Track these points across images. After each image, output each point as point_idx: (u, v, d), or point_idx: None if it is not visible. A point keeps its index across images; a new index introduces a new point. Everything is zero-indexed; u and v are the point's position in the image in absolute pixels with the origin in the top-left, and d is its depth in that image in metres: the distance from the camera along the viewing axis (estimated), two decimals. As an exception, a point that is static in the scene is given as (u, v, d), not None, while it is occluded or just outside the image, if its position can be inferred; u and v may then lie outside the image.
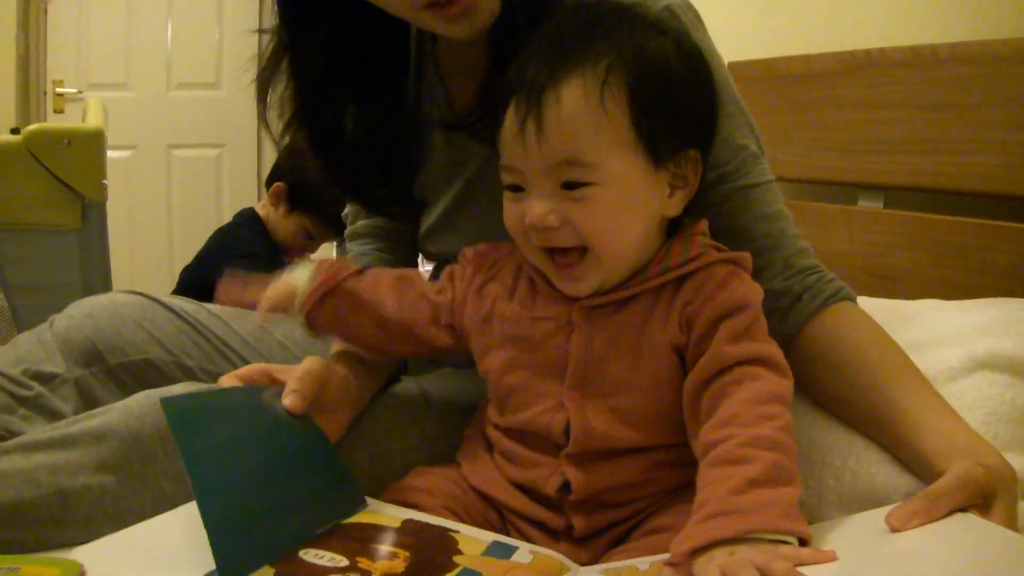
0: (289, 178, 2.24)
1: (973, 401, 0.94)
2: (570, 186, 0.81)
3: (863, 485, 0.89)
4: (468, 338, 0.96)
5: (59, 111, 3.60)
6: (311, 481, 0.87)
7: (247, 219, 2.34)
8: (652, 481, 0.87)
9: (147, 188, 3.75)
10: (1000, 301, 1.17)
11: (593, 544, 0.87)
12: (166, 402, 0.87)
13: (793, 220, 1.01)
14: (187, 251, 2.40)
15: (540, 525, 0.89)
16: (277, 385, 0.94)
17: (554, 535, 0.88)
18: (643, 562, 0.78)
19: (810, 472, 0.93)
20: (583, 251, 0.84)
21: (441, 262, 1.22)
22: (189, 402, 0.92)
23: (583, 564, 0.83)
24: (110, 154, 1.73)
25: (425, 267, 1.26)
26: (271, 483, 0.83)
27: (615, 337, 0.85)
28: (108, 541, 0.89)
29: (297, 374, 0.94)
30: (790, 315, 0.97)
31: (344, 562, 0.75)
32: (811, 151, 1.73)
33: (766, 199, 0.99)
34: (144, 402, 0.98)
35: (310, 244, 2.32)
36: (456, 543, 0.80)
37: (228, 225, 2.38)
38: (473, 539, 0.82)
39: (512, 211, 0.86)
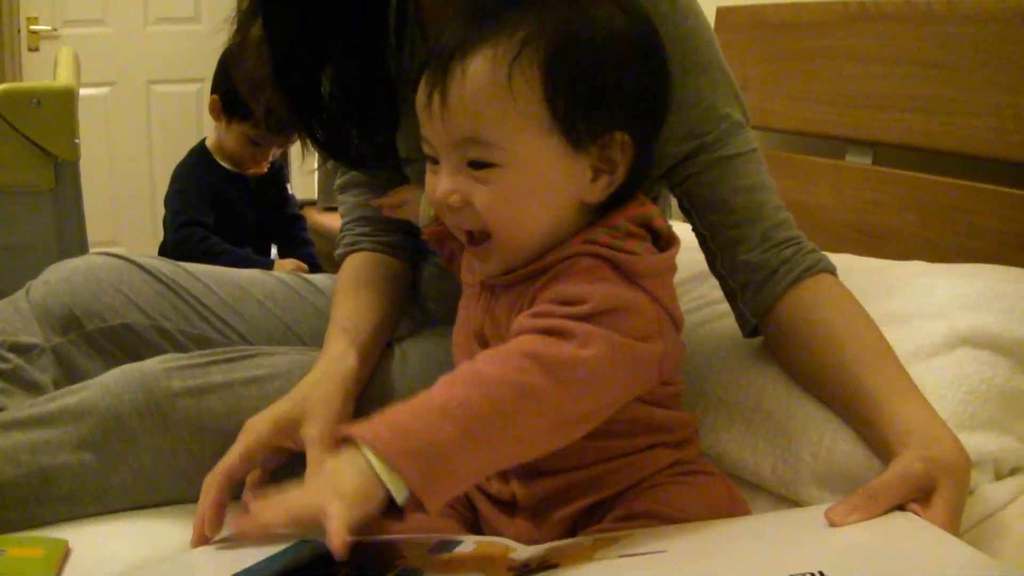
0: (220, 88, 2.24)
1: (952, 379, 0.93)
2: (475, 165, 0.77)
3: (839, 462, 0.89)
4: None
5: (34, 49, 3.54)
6: None
7: (190, 153, 2.36)
8: (584, 450, 0.81)
9: (126, 125, 3.72)
10: (987, 270, 1.17)
11: (549, 521, 0.85)
12: None
13: (775, 189, 0.99)
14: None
15: (496, 501, 0.88)
16: None
17: (509, 511, 0.87)
18: (590, 539, 0.79)
19: (787, 447, 0.93)
20: (487, 234, 0.80)
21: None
22: None
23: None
24: (88, 92, 1.69)
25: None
26: None
27: (498, 318, 0.83)
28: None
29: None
30: (765, 289, 0.95)
31: None
32: (800, 102, 1.71)
33: (747, 170, 0.97)
34: (121, 379, 0.99)
35: (259, 152, 2.29)
36: (399, 550, 0.77)
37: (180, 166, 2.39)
38: (417, 543, 0.79)
39: (429, 183, 0.82)
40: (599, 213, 0.82)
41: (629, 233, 0.80)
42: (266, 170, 2.34)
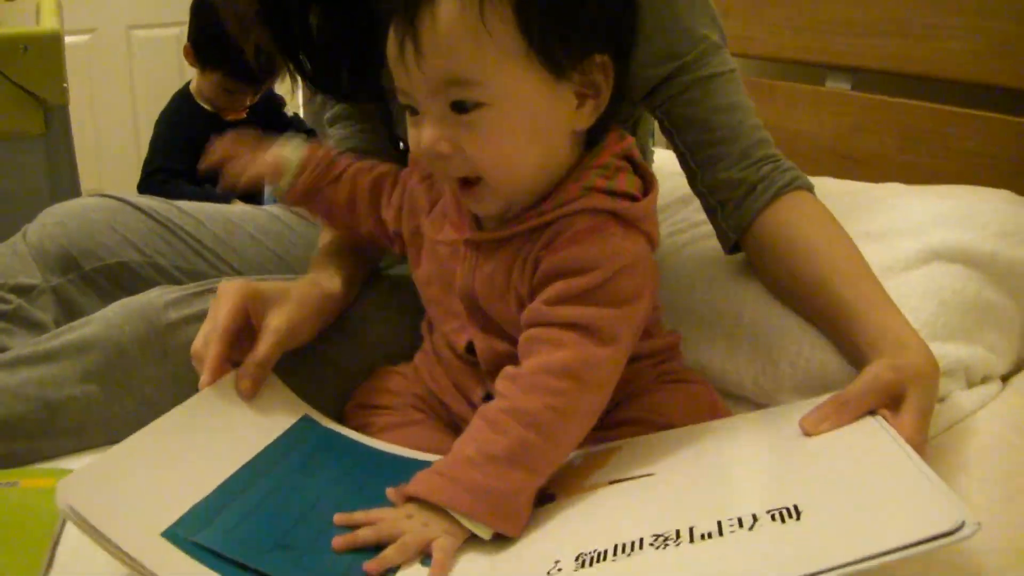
0: (192, 35, 2.24)
1: (925, 291, 0.97)
2: (460, 108, 0.76)
3: (817, 372, 0.92)
4: (407, 248, 0.97)
5: (8, -1, 3.47)
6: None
7: (172, 97, 2.36)
8: None
9: (109, 71, 3.67)
10: (960, 190, 1.20)
11: None
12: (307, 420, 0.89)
13: (753, 109, 1.01)
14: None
15: None
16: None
17: None
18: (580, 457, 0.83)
19: (767, 359, 0.97)
20: (479, 177, 0.80)
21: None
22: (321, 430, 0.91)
23: None
24: (70, 40, 1.69)
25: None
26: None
27: (490, 277, 0.84)
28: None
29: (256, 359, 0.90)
30: (744, 205, 0.98)
31: None
32: (780, 30, 1.72)
33: (725, 90, 0.99)
34: (121, 312, 1.01)
35: (236, 99, 2.30)
36: None
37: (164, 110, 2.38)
38: None
39: (412, 136, 0.81)
40: (586, 143, 0.83)
41: (617, 168, 0.81)
42: (244, 116, 2.33)
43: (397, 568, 0.70)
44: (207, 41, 2.20)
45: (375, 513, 0.75)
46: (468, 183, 0.80)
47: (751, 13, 1.76)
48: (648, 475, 0.76)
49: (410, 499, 0.74)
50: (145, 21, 3.73)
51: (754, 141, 0.99)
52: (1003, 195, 1.11)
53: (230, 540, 0.69)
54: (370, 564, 0.69)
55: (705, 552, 0.62)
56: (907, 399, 0.75)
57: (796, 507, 0.63)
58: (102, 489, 0.68)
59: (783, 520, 0.62)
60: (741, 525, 0.63)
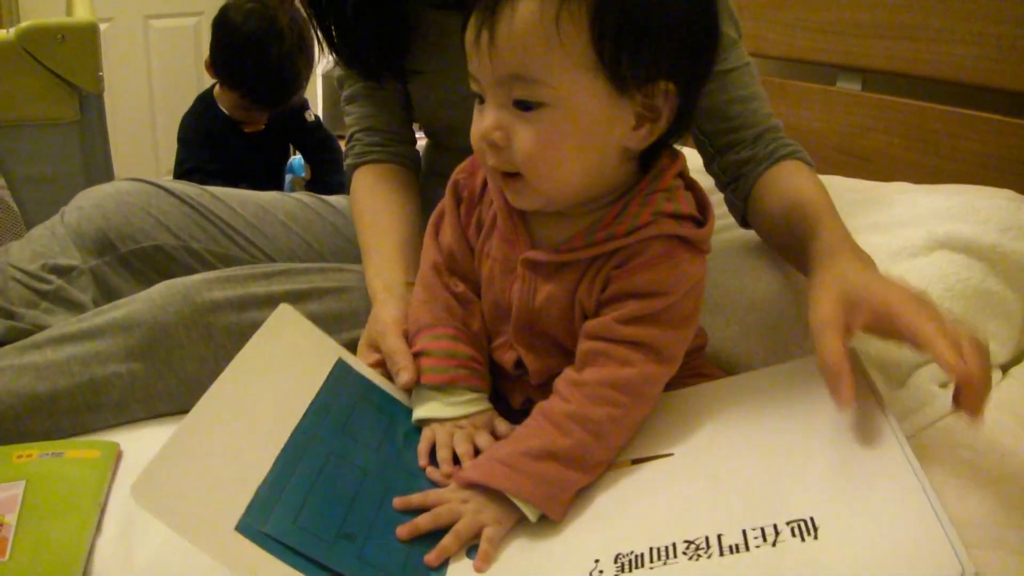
0: (212, 53, 2.26)
1: (932, 276, 1.01)
2: (522, 105, 0.77)
3: None
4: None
5: (31, -17, 3.49)
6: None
7: (197, 100, 2.37)
8: None
9: (125, 60, 3.68)
10: (964, 188, 1.23)
11: None
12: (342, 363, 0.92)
13: (767, 99, 1.10)
14: (168, 122, 2.39)
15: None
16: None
17: None
18: None
19: (778, 341, 1.02)
20: (519, 174, 0.81)
21: (434, 130, 1.27)
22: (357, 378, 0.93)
23: None
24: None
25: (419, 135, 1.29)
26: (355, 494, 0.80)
27: (553, 295, 0.85)
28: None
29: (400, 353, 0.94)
30: (749, 176, 1.06)
31: None
32: (793, 31, 1.75)
33: (742, 82, 1.07)
34: (165, 292, 1.03)
35: (253, 115, 2.32)
36: None
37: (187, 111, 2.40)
38: None
39: (475, 121, 0.82)
40: (638, 165, 0.84)
41: (677, 188, 0.84)
42: (263, 127, 2.35)
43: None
44: (225, 62, 2.23)
45: (432, 497, 0.80)
46: (510, 175, 0.81)
47: (765, 14, 1.80)
48: (667, 455, 0.81)
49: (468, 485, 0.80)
50: (162, 11, 3.72)
51: (767, 127, 1.08)
52: (1005, 193, 1.14)
53: (298, 532, 0.72)
54: (430, 557, 0.75)
55: (734, 569, 0.66)
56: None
57: (813, 521, 0.67)
58: (172, 486, 0.69)
59: (803, 538, 0.66)
60: (765, 539, 0.67)
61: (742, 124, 1.07)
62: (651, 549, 0.70)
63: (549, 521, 0.78)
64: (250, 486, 0.74)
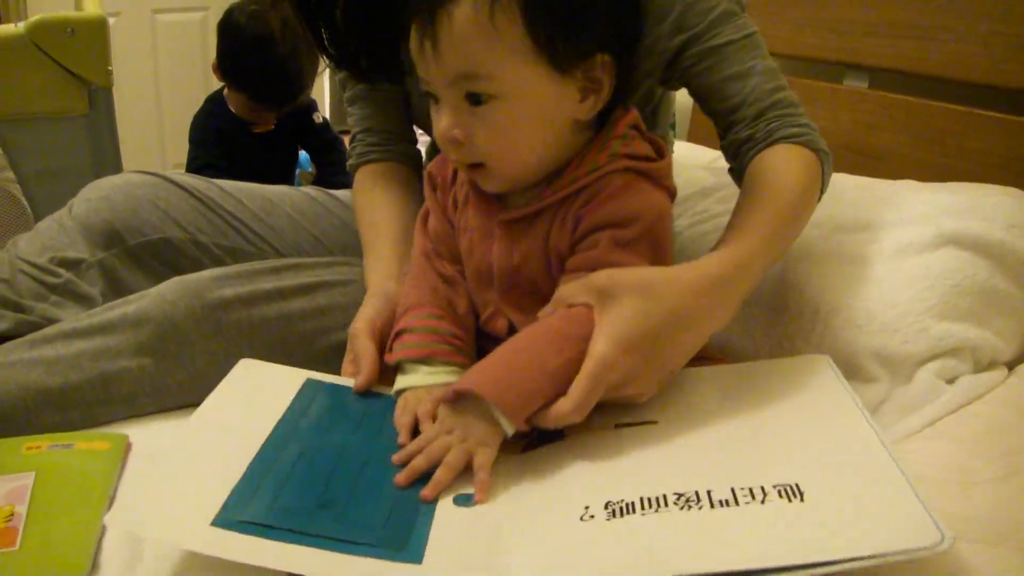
0: (218, 56, 2.26)
1: (940, 272, 1.01)
2: (474, 100, 0.83)
3: (830, 348, 0.98)
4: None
5: (38, -23, 3.49)
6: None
7: (207, 101, 2.37)
8: None
9: (132, 54, 3.68)
10: (969, 186, 1.23)
11: None
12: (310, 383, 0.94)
13: (775, 73, 1.03)
14: (175, 116, 2.39)
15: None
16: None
17: None
18: None
19: (784, 334, 1.03)
20: (482, 164, 0.87)
21: (428, 130, 1.26)
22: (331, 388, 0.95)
23: None
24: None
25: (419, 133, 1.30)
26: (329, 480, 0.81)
27: (529, 247, 0.90)
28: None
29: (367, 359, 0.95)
30: (745, 159, 1.02)
31: None
32: (801, 28, 1.75)
33: (739, 57, 1.02)
34: (176, 288, 1.04)
35: (262, 115, 2.32)
36: None
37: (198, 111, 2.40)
38: None
39: (434, 121, 0.89)
40: (593, 127, 0.90)
41: (631, 136, 0.89)
42: (272, 127, 2.35)
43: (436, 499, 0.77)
44: (231, 64, 2.23)
45: (420, 440, 0.82)
46: (475, 166, 0.88)
47: (773, 12, 1.79)
48: (651, 422, 0.82)
49: (447, 401, 0.82)
50: (169, 5, 3.74)
51: (769, 103, 1.01)
52: (1010, 191, 1.14)
53: (275, 511, 0.73)
54: (426, 491, 0.77)
55: (726, 520, 0.67)
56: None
57: (799, 487, 0.68)
58: (145, 504, 0.73)
59: (789, 499, 0.67)
60: (753, 497, 0.68)
61: (741, 102, 1.02)
62: (641, 498, 0.71)
63: (538, 471, 0.79)
64: (225, 489, 0.75)
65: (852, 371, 0.97)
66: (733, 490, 0.69)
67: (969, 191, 1.18)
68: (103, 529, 0.81)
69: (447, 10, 0.81)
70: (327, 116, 2.62)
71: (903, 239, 1.05)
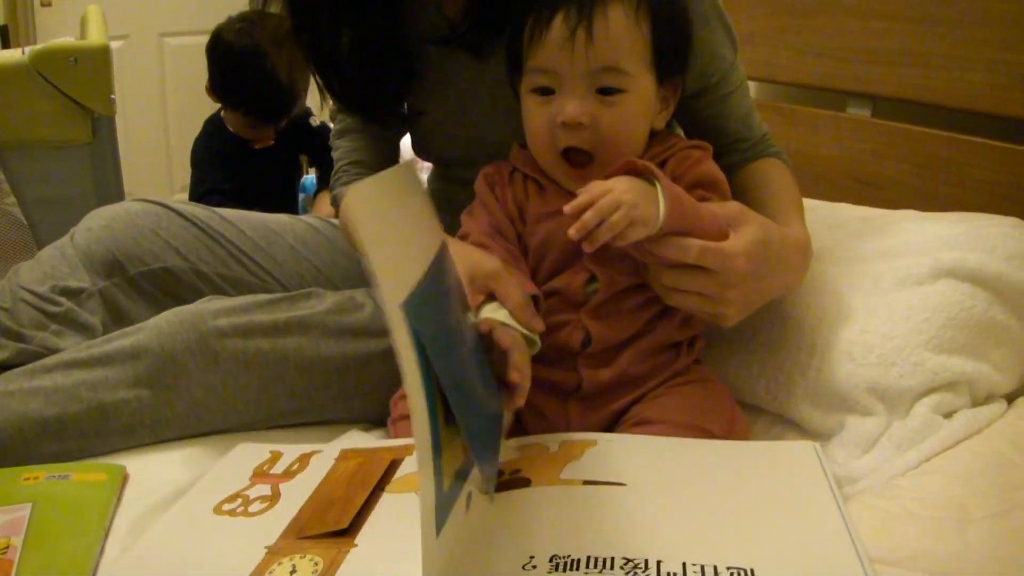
0: (210, 77, 2.30)
1: (936, 304, 1.00)
2: (605, 91, 0.93)
3: (826, 381, 0.98)
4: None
5: (46, 4, 3.52)
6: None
7: (206, 123, 2.39)
8: (654, 335, 0.98)
9: (140, 78, 3.70)
10: (971, 216, 1.21)
11: (598, 413, 0.97)
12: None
13: (754, 109, 1.19)
14: (182, 139, 2.40)
15: (552, 389, 0.97)
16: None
17: (563, 399, 0.97)
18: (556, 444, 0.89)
19: (779, 366, 1.03)
20: (591, 156, 0.95)
21: (441, 163, 1.28)
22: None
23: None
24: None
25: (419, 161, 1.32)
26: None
27: None
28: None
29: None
30: (738, 166, 1.16)
31: None
32: (803, 56, 1.75)
33: (740, 102, 1.16)
34: (173, 320, 1.05)
35: (260, 132, 2.34)
36: None
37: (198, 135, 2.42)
38: None
39: (540, 112, 0.96)
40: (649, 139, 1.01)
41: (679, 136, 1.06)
42: (272, 142, 2.37)
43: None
44: (223, 83, 2.27)
45: (596, 189, 0.85)
46: (580, 162, 0.96)
47: (776, 40, 1.79)
48: (620, 484, 0.81)
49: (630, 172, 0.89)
50: (177, 28, 3.76)
51: (759, 136, 1.19)
52: (1011, 221, 1.14)
53: (431, 343, 0.65)
54: (586, 245, 0.84)
55: None
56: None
57: (753, 572, 0.68)
58: (382, 207, 0.64)
59: None
60: (703, 574, 0.68)
61: (739, 138, 1.17)
62: (589, 557, 0.70)
63: (489, 516, 0.78)
64: (414, 275, 0.66)
65: (849, 405, 0.97)
66: (684, 565, 0.69)
67: (970, 221, 1.17)
68: (98, 561, 0.81)
69: (604, 8, 0.92)
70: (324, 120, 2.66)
71: (901, 271, 1.05)
